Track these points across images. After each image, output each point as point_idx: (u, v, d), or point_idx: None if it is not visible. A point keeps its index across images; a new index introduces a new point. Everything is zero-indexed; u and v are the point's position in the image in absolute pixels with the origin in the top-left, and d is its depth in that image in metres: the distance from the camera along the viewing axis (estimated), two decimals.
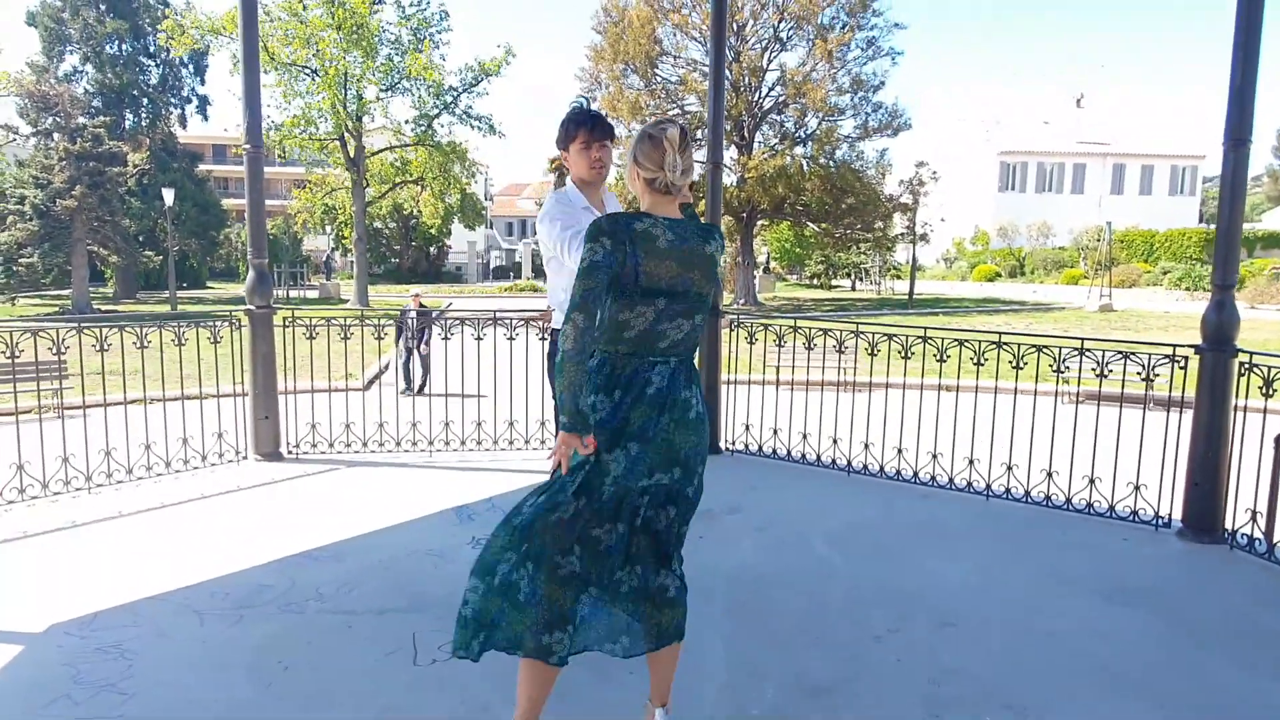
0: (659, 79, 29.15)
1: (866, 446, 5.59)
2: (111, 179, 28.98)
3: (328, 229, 39.18)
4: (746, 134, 28.80)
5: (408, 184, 32.91)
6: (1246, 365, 4.26)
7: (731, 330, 6.24)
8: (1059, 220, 45.36)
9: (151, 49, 37.52)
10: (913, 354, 5.32)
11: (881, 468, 5.51)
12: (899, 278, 41.18)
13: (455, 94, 29.20)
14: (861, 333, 5.64)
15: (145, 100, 38.31)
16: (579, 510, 2.21)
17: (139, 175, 34.86)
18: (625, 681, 2.77)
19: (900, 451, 5.47)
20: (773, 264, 47.81)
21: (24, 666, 2.95)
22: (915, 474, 5.37)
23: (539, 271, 47.00)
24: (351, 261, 33.63)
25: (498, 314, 6.16)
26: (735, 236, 29.36)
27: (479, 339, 6.03)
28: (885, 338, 5.53)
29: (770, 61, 28.60)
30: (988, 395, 5.14)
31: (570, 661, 2.29)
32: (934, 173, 30.90)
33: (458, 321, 6.17)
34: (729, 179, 27.83)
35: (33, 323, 5.66)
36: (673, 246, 2.21)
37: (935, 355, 5.23)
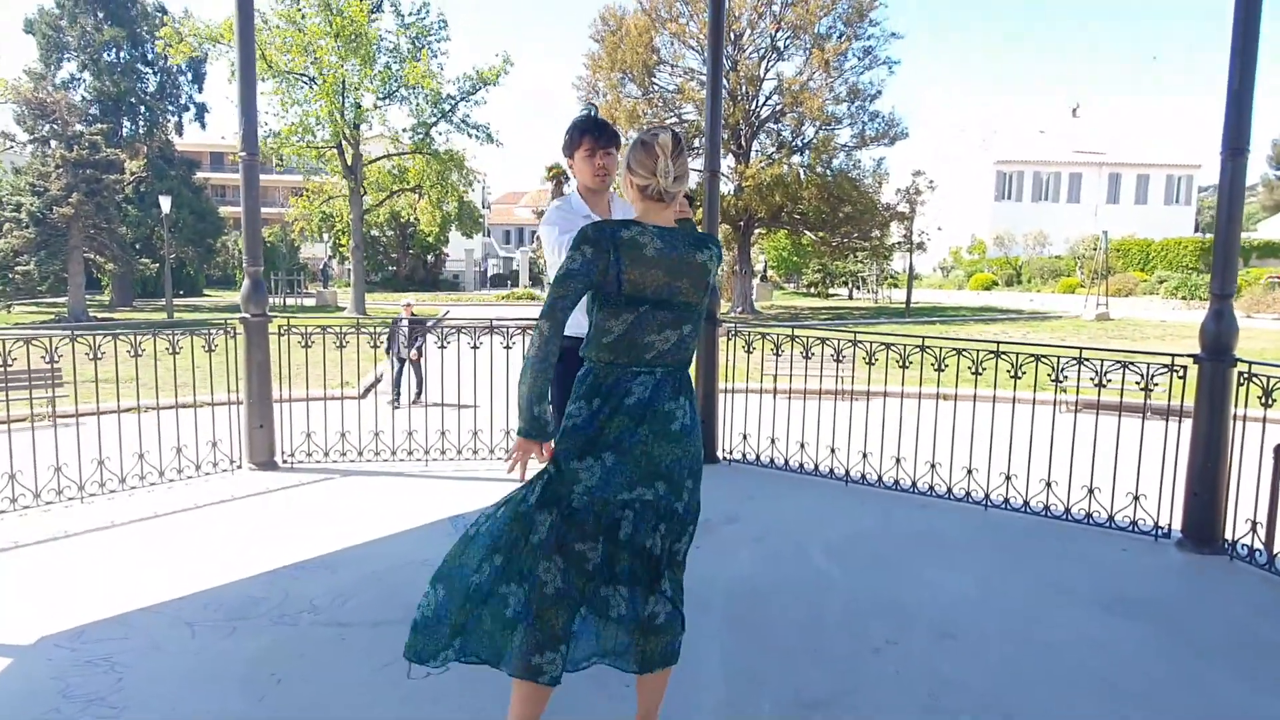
0: (656, 88, 29.23)
1: (865, 456, 5.56)
2: (108, 186, 28.91)
3: (325, 237, 39.17)
4: (744, 143, 28.89)
5: (405, 192, 32.87)
6: (1245, 375, 4.25)
7: (729, 339, 6.23)
8: (1055, 229, 45.54)
9: (149, 57, 37.59)
10: (910, 363, 5.30)
11: (880, 477, 5.48)
12: (896, 286, 41.27)
13: (453, 102, 29.24)
14: (859, 342, 5.63)
15: (143, 108, 38.36)
16: (554, 524, 2.18)
17: (136, 183, 34.78)
18: (621, 694, 2.74)
19: (899, 461, 5.45)
20: (770, 272, 47.89)
21: (13, 679, 2.91)
22: (914, 484, 5.35)
23: (536, 280, 47.01)
24: (349, 269, 33.58)
25: (494, 322, 6.14)
26: (732, 245, 29.40)
27: (475, 348, 6.01)
28: (883, 347, 5.51)
29: (767, 70, 28.71)
30: (986, 404, 5.13)
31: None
32: (931, 182, 30.97)
33: (454, 330, 6.15)
34: (726, 187, 27.86)
35: (26, 331, 5.63)
36: (661, 254, 2.18)
37: (933, 364, 5.22)
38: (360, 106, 28.42)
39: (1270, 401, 4.09)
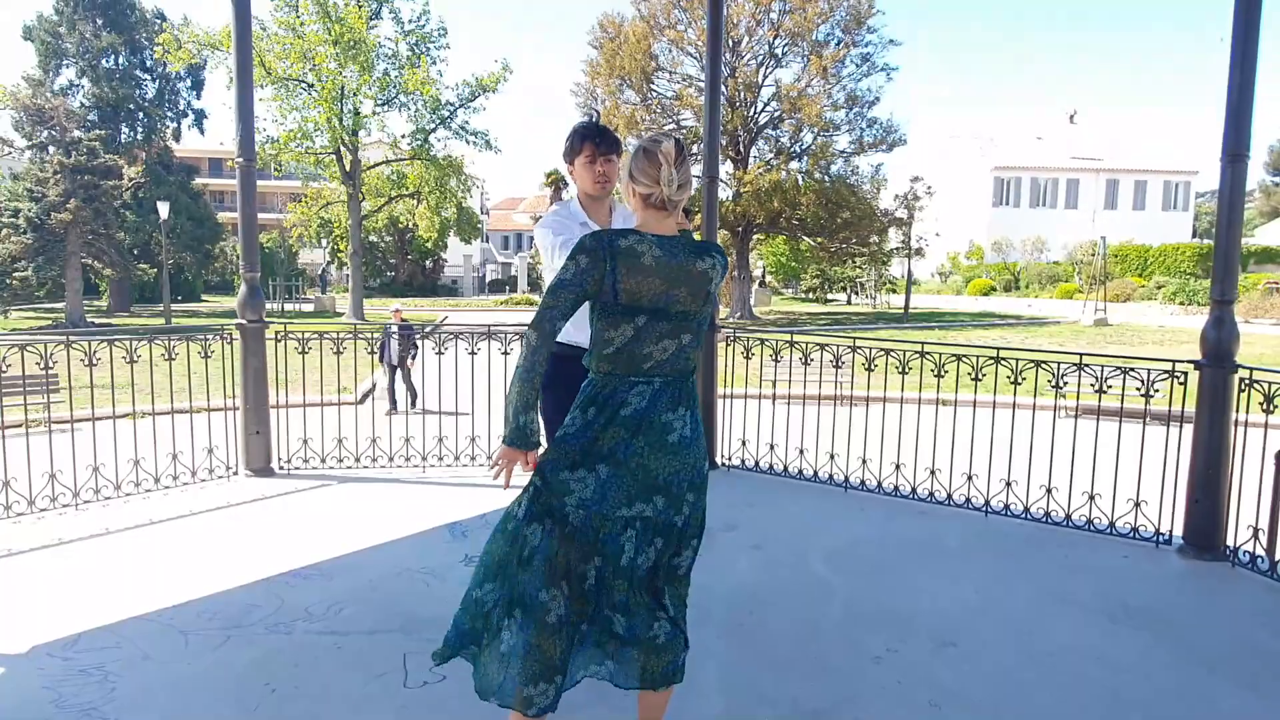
0: (655, 94, 29.25)
1: (864, 462, 5.54)
2: (106, 192, 28.89)
3: (323, 242, 39.14)
4: (742, 149, 28.91)
5: (404, 198, 32.92)
6: (1246, 381, 4.24)
7: (728, 344, 6.21)
8: (1053, 235, 45.55)
9: (148, 63, 37.52)
10: (910, 369, 5.29)
11: (879, 483, 5.46)
12: (894, 291, 41.27)
13: (452, 109, 29.27)
14: (859, 347, 5.61)
15: (141, 114, 38.29)
16: (550, 544, 2.15)
17: (134, 189, 34.76)
18: (623, 705, 2.71)
19: (898, 467, 5.43)
20: (768, 278, 47.90)
21: (5, 688, 2.88)
22: (913, 490, 5.33)
23: (535, 285, 47.00)
24: (347, 275, 33.50)
25: (492, 328, 6.12)
26: (731, 250, 29.39)
27: (473, 353, 5.98)
28: (882, 353, 5.49)
29: (765, 77, 28.76)
30: (986, 410, 5.11)
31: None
32: (929, 187, 31.00)
33: (452, 336, 6.12)
34: (725, 193, 27.89)
35: (22, 336, 5.60)
36: (659, 263, 2.15)
37: (933, 370, 5.20)
38: (359, 113, 28.45)
39: (1271, 408, 4.07)
